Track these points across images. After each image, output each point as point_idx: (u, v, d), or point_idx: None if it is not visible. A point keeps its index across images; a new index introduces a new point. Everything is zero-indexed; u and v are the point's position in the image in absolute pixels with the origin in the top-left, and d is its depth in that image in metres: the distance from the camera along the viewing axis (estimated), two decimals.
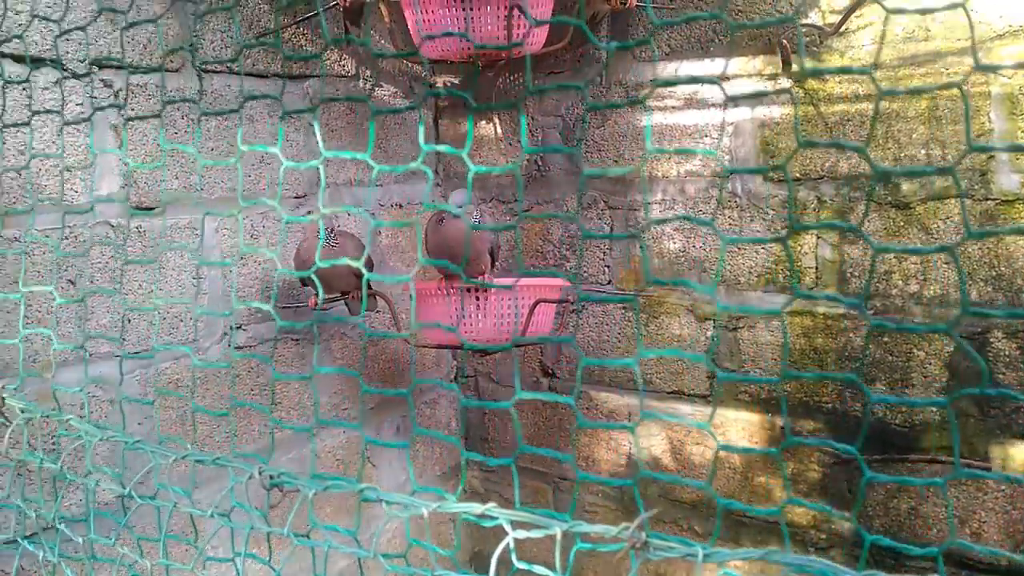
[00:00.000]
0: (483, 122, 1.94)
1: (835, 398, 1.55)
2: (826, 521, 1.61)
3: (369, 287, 1.56)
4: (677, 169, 1.66)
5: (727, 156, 1.60)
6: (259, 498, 0.55)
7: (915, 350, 1.47)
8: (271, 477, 0.47)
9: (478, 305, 1.50)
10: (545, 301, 1.50)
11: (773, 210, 1.57)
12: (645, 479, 1.65)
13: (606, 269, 1.79)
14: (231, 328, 1.53)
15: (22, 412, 0.55)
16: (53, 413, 0.54)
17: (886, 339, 1.50)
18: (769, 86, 1.55)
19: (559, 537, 0.42)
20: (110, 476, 0.52)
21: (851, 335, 1.52)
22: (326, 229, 1.48)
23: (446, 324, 1.55)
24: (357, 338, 1.79)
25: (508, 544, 0.42)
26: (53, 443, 0.57)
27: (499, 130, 1.91)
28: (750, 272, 1.61)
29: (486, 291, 1.49)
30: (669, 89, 1.63)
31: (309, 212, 1.66)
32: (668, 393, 1.73)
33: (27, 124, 1.14)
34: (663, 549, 0.40)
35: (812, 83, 1.51)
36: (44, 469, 0.55)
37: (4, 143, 1.17)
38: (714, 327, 1.66)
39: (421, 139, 0.58)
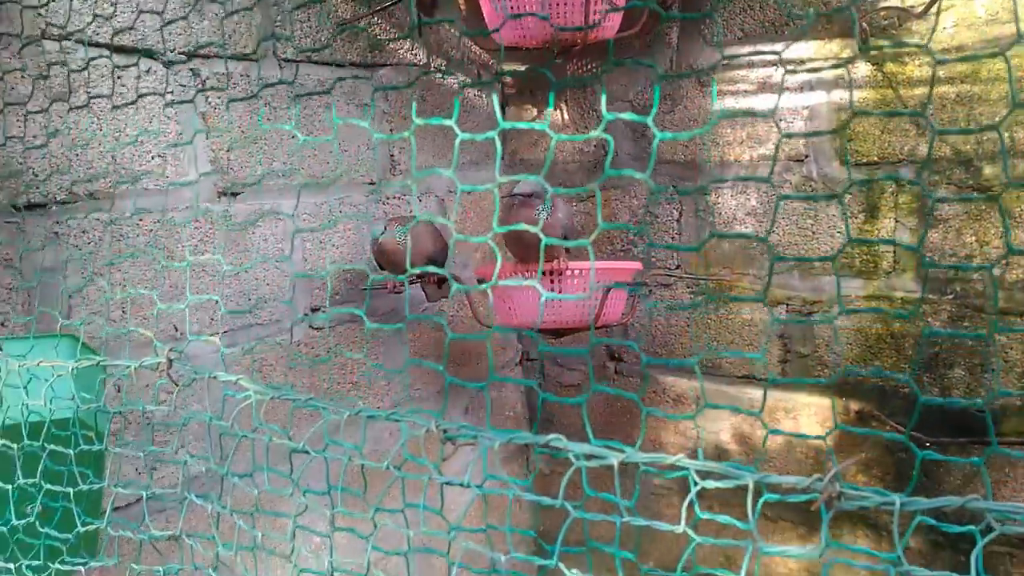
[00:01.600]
0: (549, 109, 1.95)
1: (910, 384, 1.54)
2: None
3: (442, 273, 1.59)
4: (750, 153, 1.66)
5: (802, 141, 1.59)
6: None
7: (996, 335, 1.45)
8: (445, 431, 0.49)
9: (552, 289, 1.52)
10: (619, 286, 1.51)
11: (850, 194, 1.56)
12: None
13: (675, 254, 1.80)
14: (310, 310, 1.57)
15: (192, 373, 0.58)
16: (221, 374, 0.57)
17: (966, 323, 1.49)
18: (846, 71, 1.54)
19: (751, 487, 0.43)
20: (279, 432, 0.55)
21: (930, 320, 1.51)
22: (404, 218, 1.51)
23: (519, 308, 1.57)
24: (430, 322, 1.82)
25: (691, 498, 0.44)
26: (218, 404, 0.61)
27: (566, 116, 1.92)
28: (825, 256, 1.61)
29: (560, 275, 1.51)
30: (742, 73, 1.63)
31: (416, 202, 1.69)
32: (738, 378, 1.74)
33: (131, 105, 1.18)
34: (857, 499, 0.41)
35: (891, 66, 1.49)
36: (212, 427, 0.58)
37: (100, 130, 1.21)
38: (785, 313, 1.66)
39: (498, 114, 0.59)
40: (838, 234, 1.58)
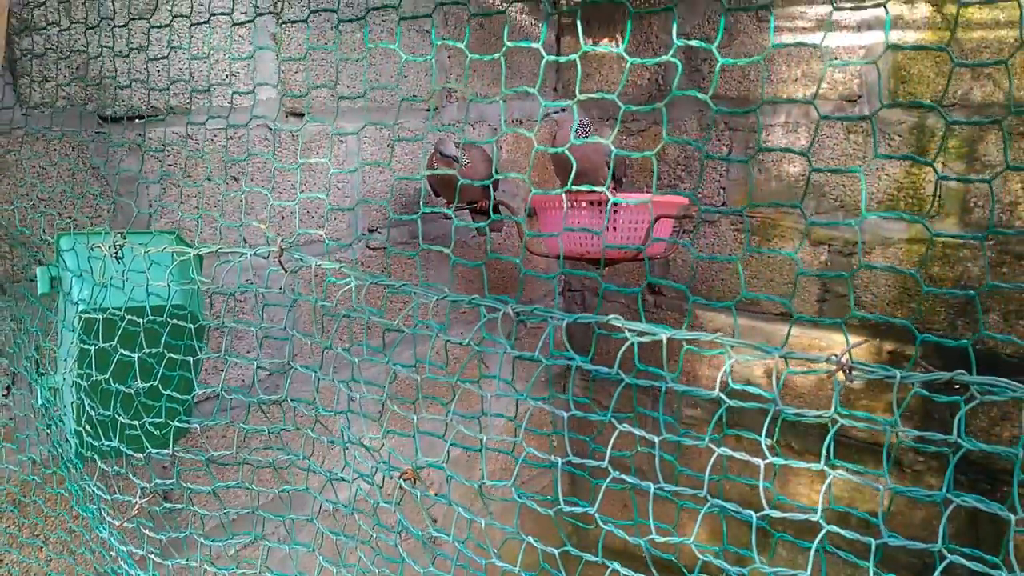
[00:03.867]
0: (605, 40, 1.97)
1: (945, 325, 1.58)
2: (925, 443, 1.66)
3: (494, 199, 1.65)
4: (803, 92, 1.68)
5: (856, 80, 1.60)
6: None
7: None
8: (518, 314, 0.56)
9: (596, 218, 1.57)
10: (665, 216, 1.55)
11: (900, 136, 1.57)
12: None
13: (721, 191, 1.83)
14: (367, 230, 1.65)
15: (299, 261, 0.66)
16: (327, 263, 0.64)
17: (1004, 270, 1.51)
18: (906, 10, 1.53)
19: (775, 362, 0.50)
20: (376, 314, 0.63)
21: (969, 265, 1.54)
22: (455, 143, 1.56)
23: (564, 237, 1.62)
24: (477, 247, 1.89)
25: (726, 370, 0.51)
26: (321, 289, 0.68)
27: (620, 48, 1.94)
28: (870, 198, 1.63)
29: (604, 204, 1.56)
30: (801, 9, 1.63)
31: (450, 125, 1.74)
32: (776, 315, 1.79)
33: (205, 24, 1.24)
34: (865, 373, 0.47)
35: (950, 7, 1.49)
36: (317, 308, 0.66)
37: (176, 50, 1.28)
38: (828, 252, 1.70)
39: (542, 50, 0.64)
40: (884, 176, 1.60)
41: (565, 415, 0.60)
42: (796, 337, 1.76)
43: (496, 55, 0.65)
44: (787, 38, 1.67)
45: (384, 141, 1.66)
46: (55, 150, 1.17)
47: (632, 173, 1.94)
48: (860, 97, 1.61)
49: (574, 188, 0.71)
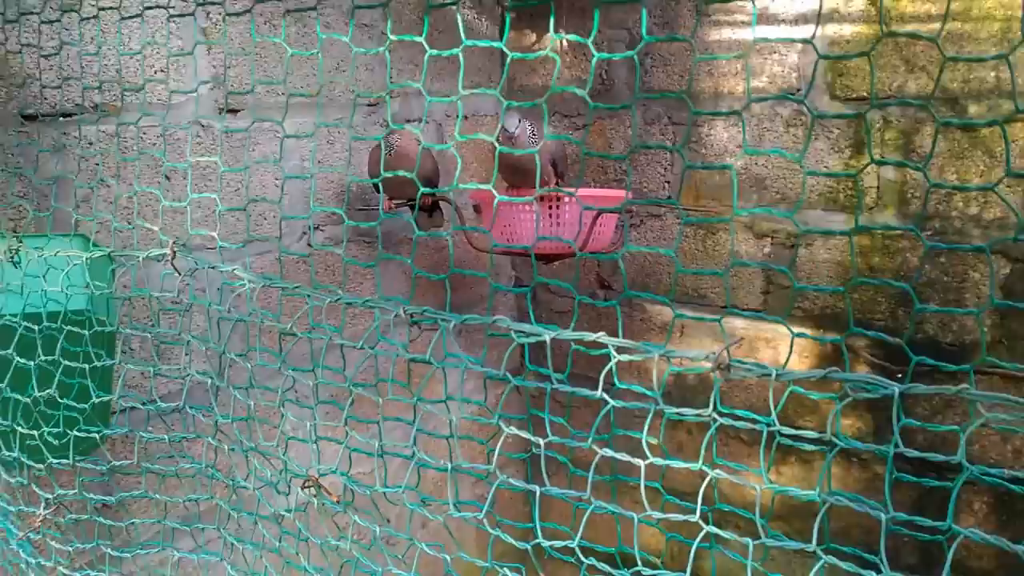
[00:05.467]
0: (547, 35, 1.96)
1: (887, 316, 1.60)
2: (870, 434, 1.68)
3: (434, 196, 1.63)
4: (743, 86, 1.68)
5: (795, 73, 1.61)
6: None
7: (971, 271, 1.50)
8: (412, 315, 0.55)
9: (545, 214, 1.56)
10: (605, 211, 1.55)
11: (838, 129, 1.59)
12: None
13: (666, 184, 1.83)
14: (309, 228, 1.62)
15: (192, 262, 0.64)
16: (220, 265, 0.63)
17: (942, 259, 1.53)
18: (841, 3, 1.55)
19: (656, 360, 0.49)
20: (271, 317, 0.61)
21: (908, 255, 1.56)
22: (390, 140, 1.53)
23: (513, 232, 1.61)
24: (421, 243, 1.87)
25: (612, 367, 0.50)
26: (217, 290, 0.67)
27: (565, 43, 1.94)
28: (811, 190, 1.64)
29: (553, 201, 1.55)
30: (739, 4, 1.64)
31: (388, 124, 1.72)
32: (721, 307, 1.79)
33: (135, 18, 1.21)
34: (743, 370, 0.47)
35: (885, 1, 1.50)
36: (212, 311, 0.64)
37: (106, 43, 1.24)
38: (771, 244, 1.71)
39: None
40: (824, 167, 1.61)
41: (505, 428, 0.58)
42: (744, 329, 1.77)
43: (448, 52, 0.63)
44: (726, 32, 1.67)
45: (322, 138, 1.63)
46: None
47: (576, 169, 1.93)
48: (799, 90, 1.62)
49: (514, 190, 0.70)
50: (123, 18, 1.11)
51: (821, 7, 1.58)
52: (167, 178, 1.37)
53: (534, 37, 1.97)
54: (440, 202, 1.67)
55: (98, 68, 1.22)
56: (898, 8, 1.49)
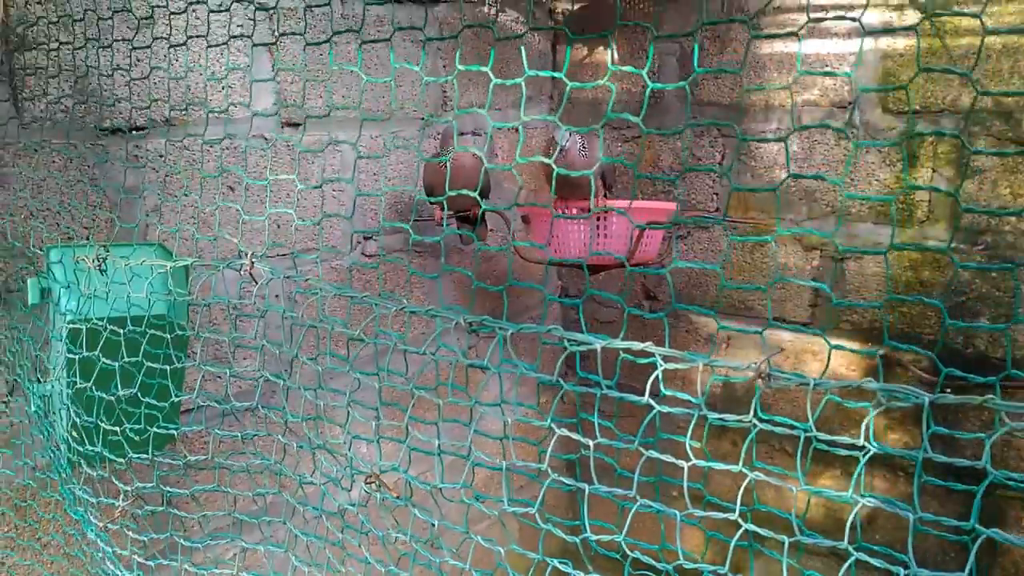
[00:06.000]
0: (600, 48, 1.99)
1: (936, 330, 1.59)
2: (914, 446, 1.66)
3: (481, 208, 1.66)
4: (794, 99, 1.69)
5: (847, 87, 1.61)
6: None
7: (1023, 286, 1.48)
8: (471, 324, 0.58)
9: (588, 226, 1.59)
10: (653, 227, 1.57)
11: (895, 143, 1.58)
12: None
13: (715, 196, 1.84)
14: (362, 238, 1.67)
15: (267, 272, 0.68)
16: (295, 275, 0.67)
17: (993, 274, 1.52)
18: (895, 17, 1.55)
19: (700, 369, 0.52)
20: (340, 324, 0.65)
21: (959, 269, 1.54)
22: (449, 154, 1.58)
23: (560, 244, 1.64)
24: (470, 253, 1.91)
25: (659, 375, 0.53)
26: (286, 298, 0.71)
27: (615, 56, 1.96)
28: (861, 204, 1.64)
29: (597, 214, 1.58)
30: (791, 17, 1.65)
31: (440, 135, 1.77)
32: (770, 320, 1.80)
33: (203, 37, 1.27)
34: (782, 379, 0.49)
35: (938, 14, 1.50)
36: (285, 318, 0.69)
37: (174, 62, 1.31)
38: (820, 257, 1.71)
39: (526, 64, 0.66)
40: (875, 181, 1.61)
41: (548, 424, 0.62)
42: (790, 342, 1.78)
43: (512, 81, 0.67)
44: (778, 46, 1.68)
45: (379, 150, 1.68)
46: (53, 163, 1.20)
47: (625, 181, 1.96)
48: (850, 103, 1.62)
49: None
50: (209, 46, 1.18)
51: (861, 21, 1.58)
52: (231, 189, 1.44)
53: (586, 51, 2.00)
54: (493, 214, 1.71)
55: (184, 90, 1.29)
56: (952, 21, 1.48)
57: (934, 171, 1.54)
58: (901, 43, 1.55)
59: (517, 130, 2.00)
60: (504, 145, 1.99)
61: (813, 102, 1.67)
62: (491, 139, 1.94)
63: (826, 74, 1.61)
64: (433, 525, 0.61)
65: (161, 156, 1.33)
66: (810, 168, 1.70)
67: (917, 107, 1.54)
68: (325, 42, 0.92)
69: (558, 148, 1.51)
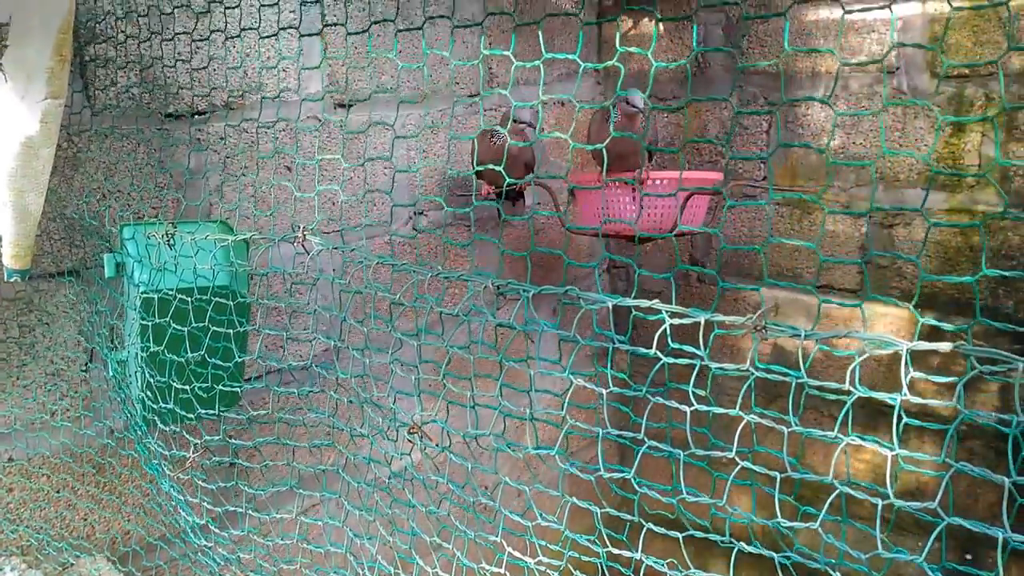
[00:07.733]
0: (645, 20, 2.00)
1: (987, 295, 1.57)
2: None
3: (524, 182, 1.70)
4: (839, 65, 1.68)
5: (894, 52, 1.60)
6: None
7: None
8: (498, 287, 0.63)
9: (634, 197, 1.62)
10: (700, 191, 1.59)
11: (938, 107, 1.57)
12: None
13: (761, 165, 1.85)
14: (414, 213, 1.73)
15: (318, 244, 0.74)
16: (342, 245, 0.73)
17: None
18: None
19: (703, 323, 0.56)
20: (382, 288, 0.71)
21: (1009, 234, 1.52)
22: (494, 130, 1.62)
23: (603, 214, 1.67)
24: (520, 226, 1.95)
25: (665, 329, 0.57)
26: (333, 270, 0.77)
27: (661, 27, 1.97)
28: (910, 169, 1.63)
29: (643, 184, 1.60)
30: None
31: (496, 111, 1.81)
32: (817, 287, 1.80)
33: (242, 34, 1.34)
34: (776, 331, 0.53)
35: None
36: (334, 285, 0.75)
37: (231, 51, 1.37)
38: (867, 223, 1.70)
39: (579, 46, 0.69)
40: (924, 147, 1.60)
41: (604, 392, 0.66)
42: (838, 309, 1.78)
43: (565, 55, 0.70)
44: (825, 12, 1.67)
45: (428, 129, 1.73)
46: (122, 147, 1.28)
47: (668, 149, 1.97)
48: (898, 68, 1.61)
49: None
50: (262, 37, 1.25)
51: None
52: (288, 169, 1.51)
53: (630, 23, 2.01)
54: (540, 187, 1.75)
55: (240, 76, 1.36)
56: None
57: (983, 135, 1.52)
58: (948, 8, 1.53)
59: (563, 103, 2.03)
60: (550, 119, 2.02)
61: (860, 68, 1.65)
62: (541, 115, 1.97)
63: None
64: (475, 494, 0.66)
65: (222, 139, 1.40)
66: (858, 135, 1.69)
67: (966, 71, 1.52)
68: (377, 23, 0.97)
69: (632, 110, 1.53)
